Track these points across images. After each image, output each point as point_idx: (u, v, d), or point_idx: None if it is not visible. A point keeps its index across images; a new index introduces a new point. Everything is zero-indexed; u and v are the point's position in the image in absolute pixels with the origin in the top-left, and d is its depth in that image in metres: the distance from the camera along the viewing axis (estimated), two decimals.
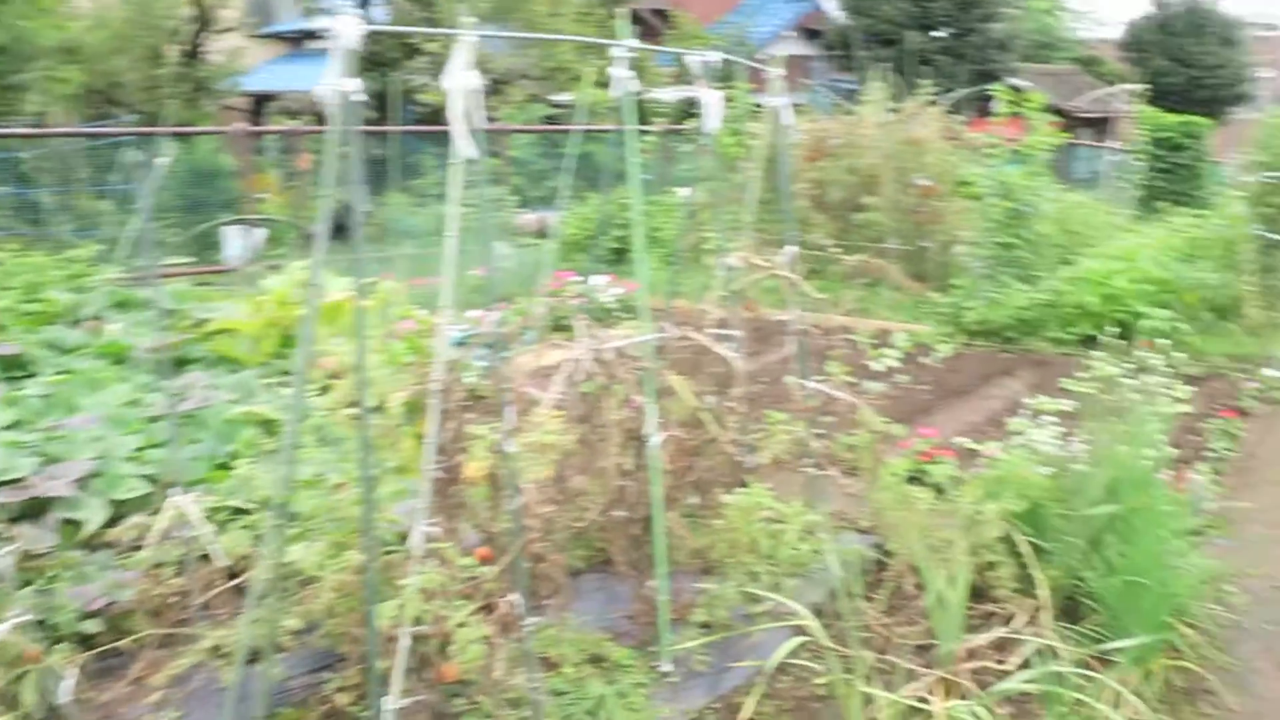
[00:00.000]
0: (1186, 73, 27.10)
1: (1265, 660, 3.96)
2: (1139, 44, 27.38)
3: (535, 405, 3.37)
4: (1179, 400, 7.40)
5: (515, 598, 3.05)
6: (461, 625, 2.92)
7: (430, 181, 12.98)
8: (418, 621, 2.89)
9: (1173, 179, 15.46)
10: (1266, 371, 7.50)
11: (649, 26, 21.54)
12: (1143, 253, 9.63)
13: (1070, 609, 4.11)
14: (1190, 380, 7.94)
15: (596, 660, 3.74)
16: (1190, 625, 4.02)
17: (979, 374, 8.28)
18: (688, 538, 4.09)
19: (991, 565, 4.22)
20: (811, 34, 23.09)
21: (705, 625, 3.94)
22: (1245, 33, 30.17)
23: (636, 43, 3.71)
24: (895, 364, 8.48)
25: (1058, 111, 23.09)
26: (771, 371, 6.90)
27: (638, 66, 3.76)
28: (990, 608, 4.18)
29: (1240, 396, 7.20)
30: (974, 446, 6.44)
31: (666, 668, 3.75)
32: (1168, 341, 8.57)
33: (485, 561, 3.15)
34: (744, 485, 4.12)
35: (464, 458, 3.01)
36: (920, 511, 4.34)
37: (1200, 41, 27.14)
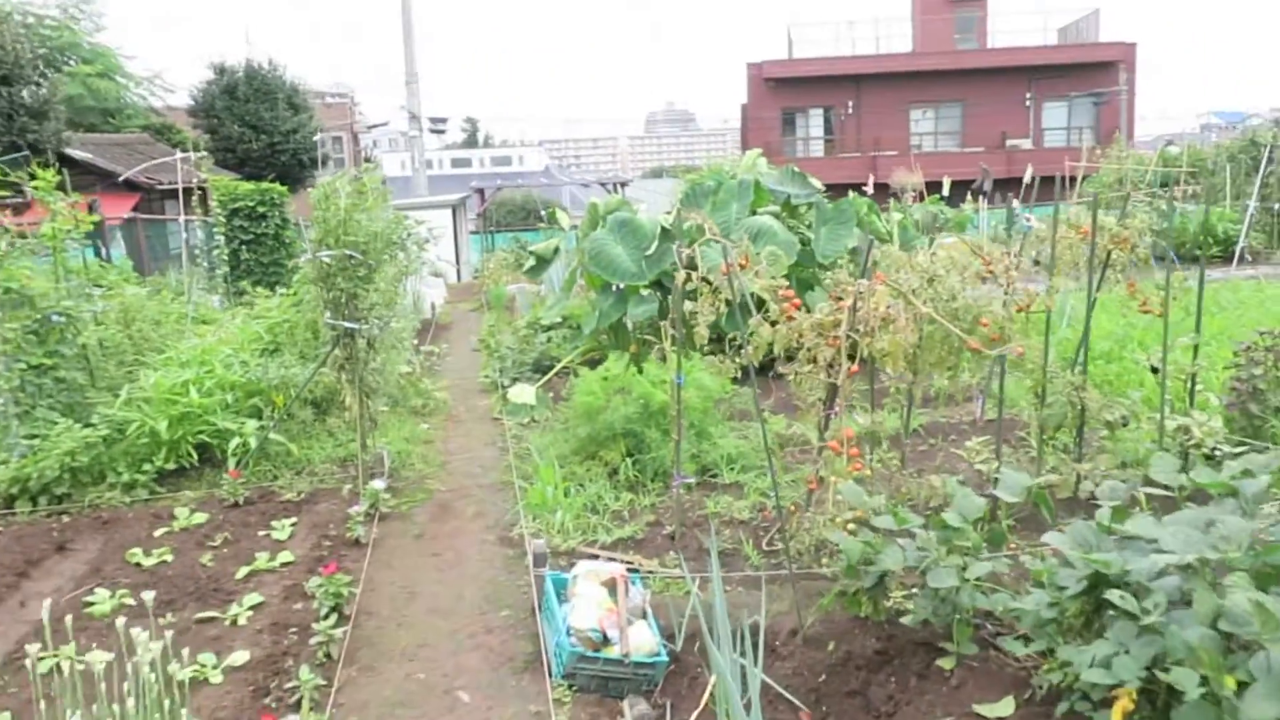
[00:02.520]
0: (264, 139, 26.93)
1: None
2: (209, 111, 26.42)
3: None
4: (280, 543, 5.91)
5: None
6: None
7: None
8: None
9: (259, 251, 14.36)
10: (374, 484, 6.35)
11: None
12: (221, 351, 8.03)
13: None
14: (292, 508, 6.51)
15: None
16: None
17: (14, 563, 5.80)
18: None
19: None
20: None
21: None
22: (312, 98, 31.26)
23: None
24: None
25: (132, 185, 20.89)
26: None
27: None
28: None
29: (351, 523, 5.89)
30: None
31: None
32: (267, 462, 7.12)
33: None
34: None
35: None
36: None
37: (271, 107, 27.17)
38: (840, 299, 4.91)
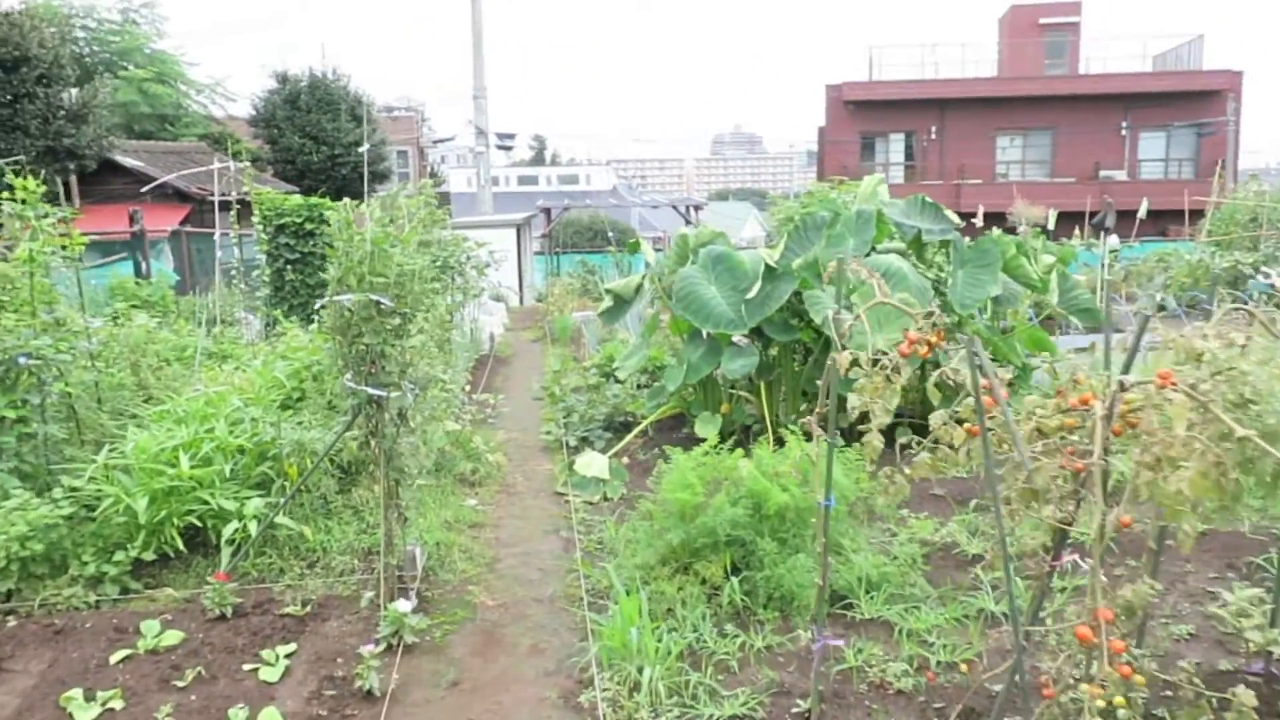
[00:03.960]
0: (325, 150, 25.89)
1: None
2: (269, 121, 25.44)
3: None
4: (268, 688, 4.38)
5: None
6: None
7: None
8: None
9: (304, 271, 13.03)
10: (398, 606, 4.80)
11: None
12: (229, 403, 6.59)
13: None
14: (293, 625, 4.99)
15: None
16: None
17: None
18: None
19: None
20: None
21: None
22: (376, 110, 30.25)
23: None
24: None
25: (182, 195, 19.84)
26: None
27: None
28: None
29: (363, 667, 4.33)
30: None
31: None
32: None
33: None
34: None
35: None
36: None
37: (334, 118, 26.15)
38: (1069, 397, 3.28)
